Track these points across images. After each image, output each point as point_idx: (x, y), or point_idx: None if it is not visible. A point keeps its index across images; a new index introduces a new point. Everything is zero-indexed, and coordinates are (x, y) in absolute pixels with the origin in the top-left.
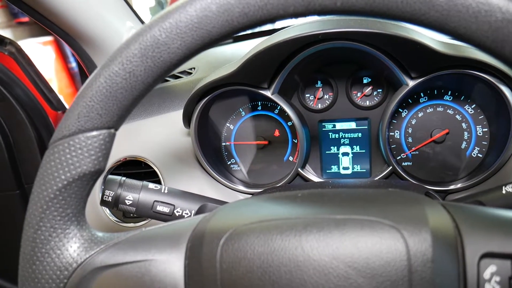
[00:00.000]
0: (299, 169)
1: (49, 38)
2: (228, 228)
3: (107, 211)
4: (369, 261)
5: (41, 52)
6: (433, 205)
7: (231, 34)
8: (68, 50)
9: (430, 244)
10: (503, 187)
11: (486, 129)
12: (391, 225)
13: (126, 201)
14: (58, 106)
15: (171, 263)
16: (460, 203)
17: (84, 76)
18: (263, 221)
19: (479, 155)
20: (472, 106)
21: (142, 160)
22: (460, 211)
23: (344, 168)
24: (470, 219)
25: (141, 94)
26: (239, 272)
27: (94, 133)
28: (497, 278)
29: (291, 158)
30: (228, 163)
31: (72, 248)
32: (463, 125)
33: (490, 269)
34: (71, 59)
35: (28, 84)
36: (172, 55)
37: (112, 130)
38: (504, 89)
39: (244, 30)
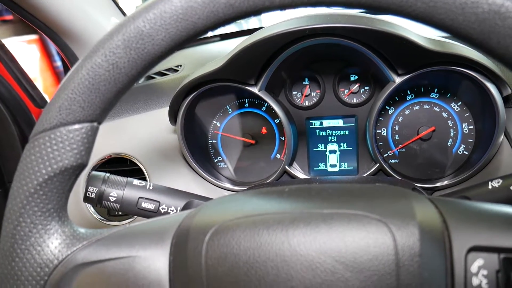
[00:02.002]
0: (286, 166)
1: (33, 37)
2: (214, 224)
3: (91, 209)
4: (356, 255)
5: (25, 50)
6: (420, 199)
7: (217, 26)
8: (53, 48)
9: (417, 238)
10: (489, 182)
11: (472, 127)
12: (379, 219)
13: (110, 198)
14: (41, 103)
15: (156, 259)
16: (447, 198)
17: None
18: (250, 216)
19: (465, 152)
20: (458, 104)
21: (127, 158)
22: (447, 205)
23: (332, 166)
24: (457, 213)
25: (124, 86)
26: (225, 268)
27: (76, 126)
28: (484, 272)
29: (278, 156)
30: (215, 160)
31: (53, 245)
32: (449, 122)
33: (477, 262)
34: (56, 57)
35: (11, 80)
36: (157, 47)
37: (95, 124)
38: (490, 86)
39: (230, 22)
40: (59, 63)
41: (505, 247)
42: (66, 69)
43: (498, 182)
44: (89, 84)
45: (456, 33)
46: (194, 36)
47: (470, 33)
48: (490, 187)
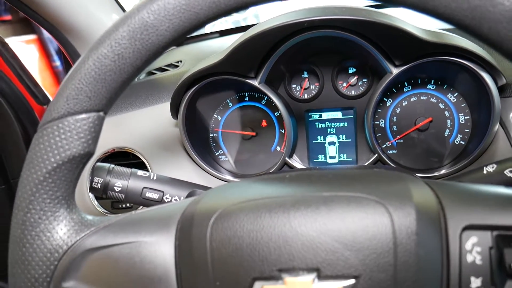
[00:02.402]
0: (286, 158)
1: (32, 37)
2: (218, 208)
3: (95, 201)
4: (355, 235)
5: (24, 50)
6: (416, 182)
7: (218, 17)
8: (52, 48)
9: (414, 218)
10: (484, 168)
11: (468, 117)
12: (377, 201)
13: (115, 188)
14: (43, 100)
15: (161, 244)
16: (442, 181)
17: None
18: (252, 200)
19: (461, 142)
20: (455, 95)
21: (130, 151)
22: (442, 187)
23: (331, 157)
24: (452, 194)
25: (130, 76)
26: (229, 250)
27: (83, 115)
28: (478, 249)
29: (278, 148)
30: (216, 154)
31: (62, 231)
32: (446, 113)
33: (471, 240)
34: (55, 57)
35: (13, 78)
36: (161, 37)
37: (101, 113)
38: (485, 76)
39: (231, 12)
40: (58, 63)
41: (497, 225)
42: (68, 66)
43: (493, 167)
44: (95, 74)
45: (449, 20)
46: (197, 27)
47: (463, 20)
48: (485, 172)
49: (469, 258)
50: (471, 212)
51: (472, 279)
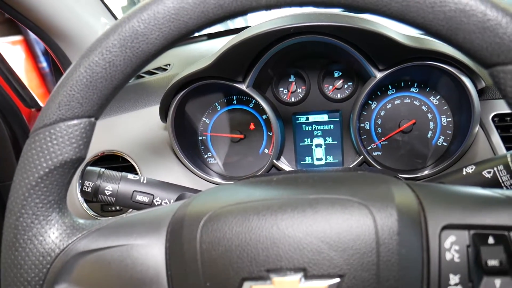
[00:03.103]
0: (274, 160)
1: (18, 38)
2: (207, 211)
3: (84, 205)
4: (340, 235)
5: (10, 51)
6: (398, 184)
7: (207, 25)
8: (38, 49)
9: (396, 218)
10: (463, 169)
11: (450, 119)
12: (360, 203)
13: (106, 192)
14: (31, 103)
15: (153, 246)
16: (423, 182)
17: (58, 74)
18: (240, 203)
19: (444, 143)
20: (437, 97)
21: (119, 155)
22: (423, 189)
23: (318, 159)
24: (432, 196)
25: (120, 83)
26: (219, 252)
27: (75, 121)
28: (456, 247)
29: (266, 151)
30: (205, 156)
31: (54, 235)
32: (429, 115)
33: (450, 239)
34: (42, 58)
35: (0, 81)
36: (151, 45)
37: (93, 119)
38: (465, 80)
39: (219, 21)
40: (44, 64)
41: (474, 224)
42: (56, 69)
43: (472, 169)
44: (87, 81)
45: (427, 30)
46: (186, 35)
47: (439, 30)
48: (464, 173)
49: (448, 256)
50: (449, 212)
51: (451, 276)
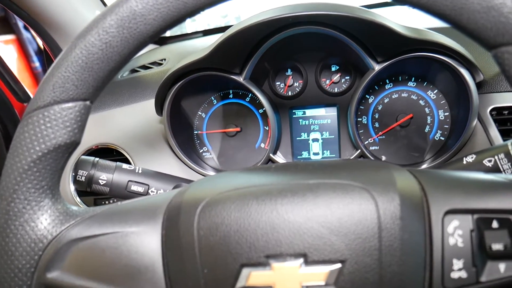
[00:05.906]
0: (270, 155)
1: (10, 37)
2: (205, 197)
3: (77, 198)
4: (341, 220)
5: (2, 50)
6: (400, 170)
7: (206, 7)
8: (31, 49)
9: (398, 203)
10: (464, 158)
11: (447, 113)
12: (362, 187)
13: (100, 181)
14: (24, 97)
15: (148, 234)
16: (424, 169)
17: None
18: (239, 189)
19: (441, 138)
20: (434, 92)
21: (114, 148)
22: (425, 174)
23: (315, 154)
24: (434, 181)
25: (117, 66)
26: (217, 238)
27: (70, 104)
28: (460, 232)
29: (262, 145)
30: (201, 151)
31: (47, 221)
32: (426, 109)
33: (453, 224)
34: (34, 58)
35: None
36: (149, 26)
37: (88, 102)
38: (464, 72)
39: (219, 2)
40: (37, 64)
41: (478, 208)
42: (50, 62)
43: (472, 158)
44: (82, 62)
45: (430, 11)
46: (184, 16)
47: (443, 10)
48: (464, 162)
49: (451, 241)
50: (452, 197)
51: (454, 261)
